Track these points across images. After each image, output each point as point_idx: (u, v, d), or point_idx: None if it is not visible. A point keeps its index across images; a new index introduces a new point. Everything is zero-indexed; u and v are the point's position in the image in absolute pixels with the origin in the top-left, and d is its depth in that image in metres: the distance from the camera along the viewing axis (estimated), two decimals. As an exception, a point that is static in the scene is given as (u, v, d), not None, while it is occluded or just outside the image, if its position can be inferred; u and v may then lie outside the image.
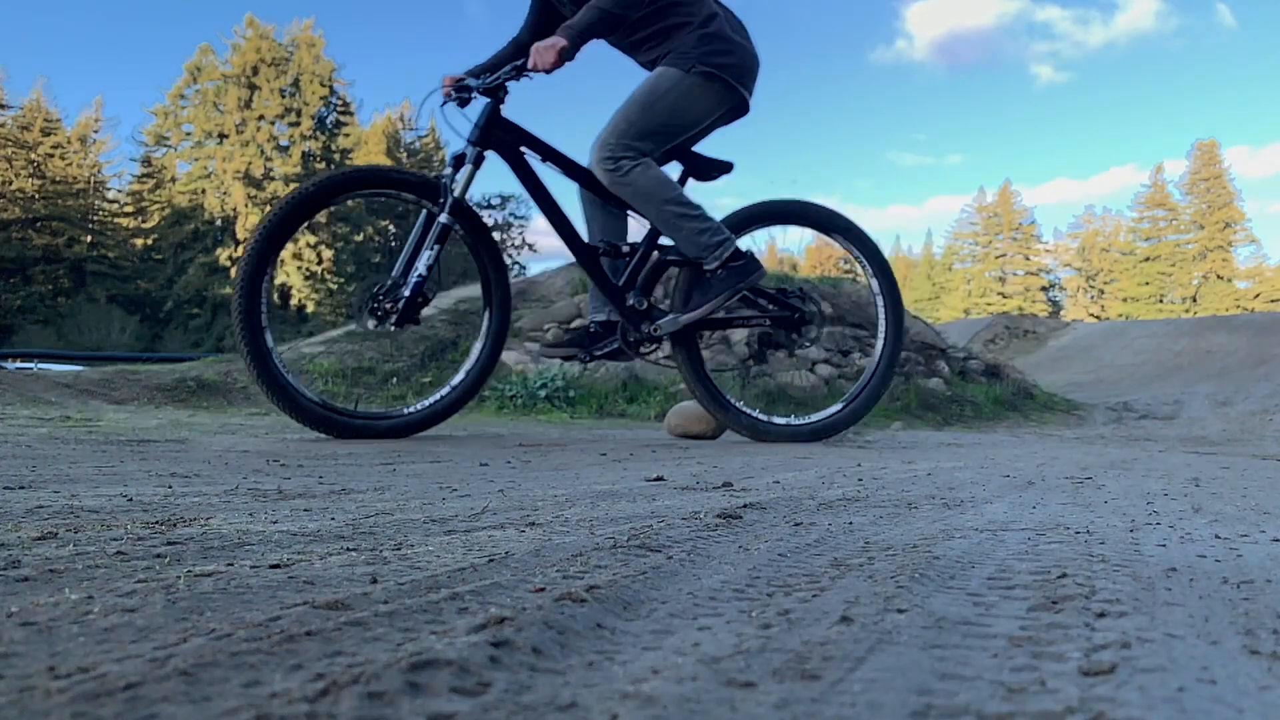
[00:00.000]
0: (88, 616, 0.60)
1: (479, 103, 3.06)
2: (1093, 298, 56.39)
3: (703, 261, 3.06)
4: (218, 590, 0.70)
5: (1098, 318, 49.99)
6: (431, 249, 2.93)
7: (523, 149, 3.07)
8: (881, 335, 3.54)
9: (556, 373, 5.38)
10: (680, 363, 3.30)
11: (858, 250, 3.54)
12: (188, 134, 37.01)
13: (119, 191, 38.58)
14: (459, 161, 3.01)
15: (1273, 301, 46.34)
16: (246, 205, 34.57)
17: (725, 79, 3.03)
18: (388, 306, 2.90)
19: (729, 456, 2.54)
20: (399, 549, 0.92)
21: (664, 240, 3.16)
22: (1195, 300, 50.79)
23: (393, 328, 2.92)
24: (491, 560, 0.86)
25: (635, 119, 2.97)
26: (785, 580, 0.81)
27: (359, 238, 38.76)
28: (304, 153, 36.72)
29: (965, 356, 8.27)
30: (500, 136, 3.04)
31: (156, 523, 1.04)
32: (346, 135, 38.24)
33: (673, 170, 3.21)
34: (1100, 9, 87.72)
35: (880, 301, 3.55)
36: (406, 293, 2.89)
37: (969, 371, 7.85)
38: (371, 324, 2.95)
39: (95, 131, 38.31)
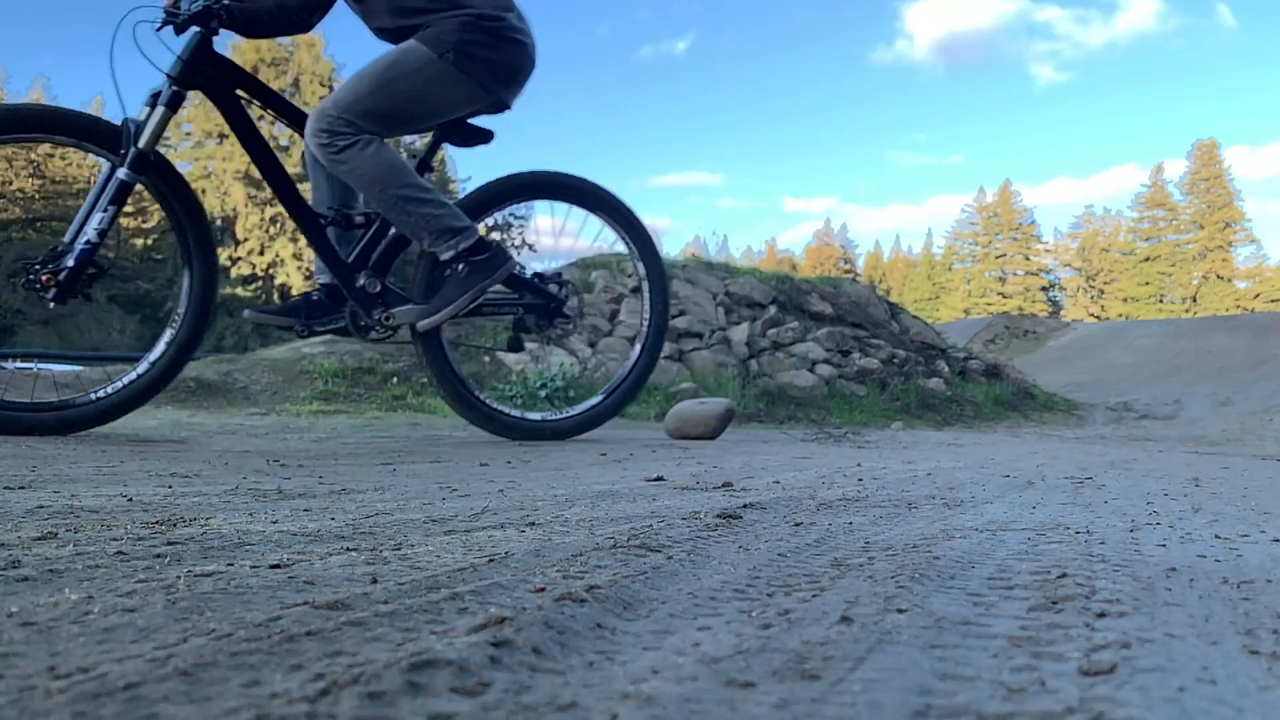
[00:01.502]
0: (88, 616, 0.60)
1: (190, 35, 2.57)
2: (1093, 298, 56.38)
3: (438, 252, 2.70)
4: (218, 590, 0.70)
5: (1098, 318, 49.99)
6: (105, 210, 2.45)
7: (238, 92, 2.65)
8: (645, 323, 3.27)
9: (556, 372, 5.38)
10: (422, 356, 2.98)
11: (623, 229, 3.20)
12: (188, 134, 36.97)
13: (119, 191, 38.62)
14: (155, 102, 2.53)
15: (1273, 301, 46.33)
16: (246, 205, 34.56)
17: (479, 79, 2.65)
18: (45, 278, 2.41)
19: (729, 457, 2.54)
20: (399, 549, 0.92)
21: None
22: (1195, 300, 50.78)
23: (52, 303, 2.43)
24: (491, 560, 0.86)
25: (365, 95, 2.57)
26: (785, 580, 0.81)
27: (359, 238, 38.78)
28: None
29: (965, 356, 8.28)
30: (210, 74, 2.59)
31: (156, 523, 1.04)
32: (346, 135, 38.22)
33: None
34: (1100, 9, 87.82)
35: (645, 287, 3.26)
36: (70, 262, 2.41)
37: (969, 371, 7.86)
38: (25, 296, 2.54)
39: (95, 131, 38.33)
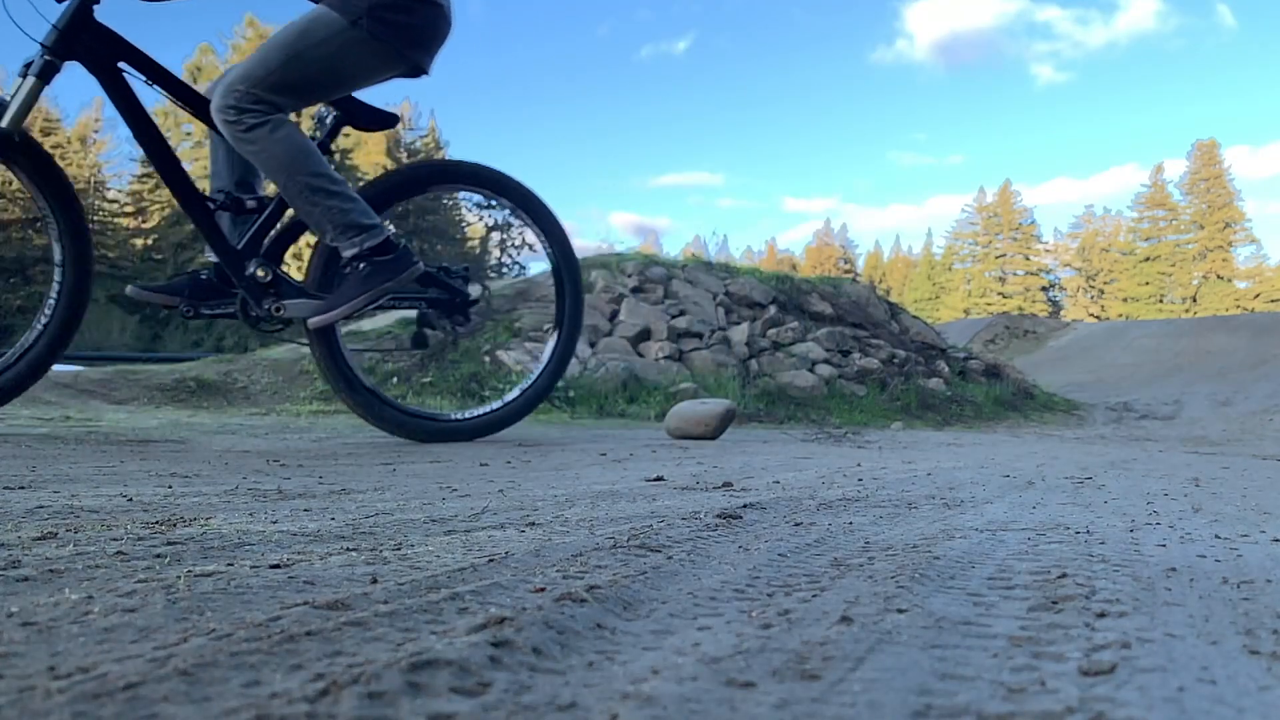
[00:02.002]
0: (88, 616, 0.60)
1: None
2: (1093, 298, 56.37)
3: (340, 248, 2.54)
4: (218, 590, 0.70)
5: (1098, 318, 49.98)
6: None
7: (121, 65, 2.45)
8: (559, 318, 3.11)
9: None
10: (315, 352, 2.80)
11: (531, 219, 3.04)
12: (188, 134, 36.98)
13: (119, 191, 38.59)
14: (27, 73, 2.37)
15: (1273, 301, 46.33)
16: (246, 205, 34.59)
17: (393, 44, 2.53)
18: None
19: (729, 457, 2.54)
20: (399, 549, 0.92)
21: None
22: (1195, 300, 50.78)
23: None
24: (491, 560, 0.86)
25: (275, 67, 2.43)
26: (785, 580, 0.81)
27: (359, 238, 38.77)
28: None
29: (965, 356, 8.28)
30: (89, 44, 2.40)
31: (156, 523, 1.04)
32: (346, 135, 38.27)
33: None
34: (1100, 9, 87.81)
35: (557, 279, 3.09)
36: None
37: (969, 371, 7.85)
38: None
39: (95, 131, 38.30)
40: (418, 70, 2.66)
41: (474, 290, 2.93)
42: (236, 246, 2.59)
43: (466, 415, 3.00)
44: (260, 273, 2.58)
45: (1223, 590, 0.81)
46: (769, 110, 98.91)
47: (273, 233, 2.63)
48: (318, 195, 2.48)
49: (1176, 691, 0.53)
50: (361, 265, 2.55)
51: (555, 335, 3.13)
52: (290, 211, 2.62)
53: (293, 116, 2.55)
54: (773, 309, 7.18)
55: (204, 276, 2.63)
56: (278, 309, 2.60)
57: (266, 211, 2.62)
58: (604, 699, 0.49)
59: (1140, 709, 0.50)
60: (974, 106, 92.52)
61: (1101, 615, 0.70)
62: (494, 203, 3.02)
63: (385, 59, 2.57)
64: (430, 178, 2.98)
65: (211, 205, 2.58)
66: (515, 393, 3.07)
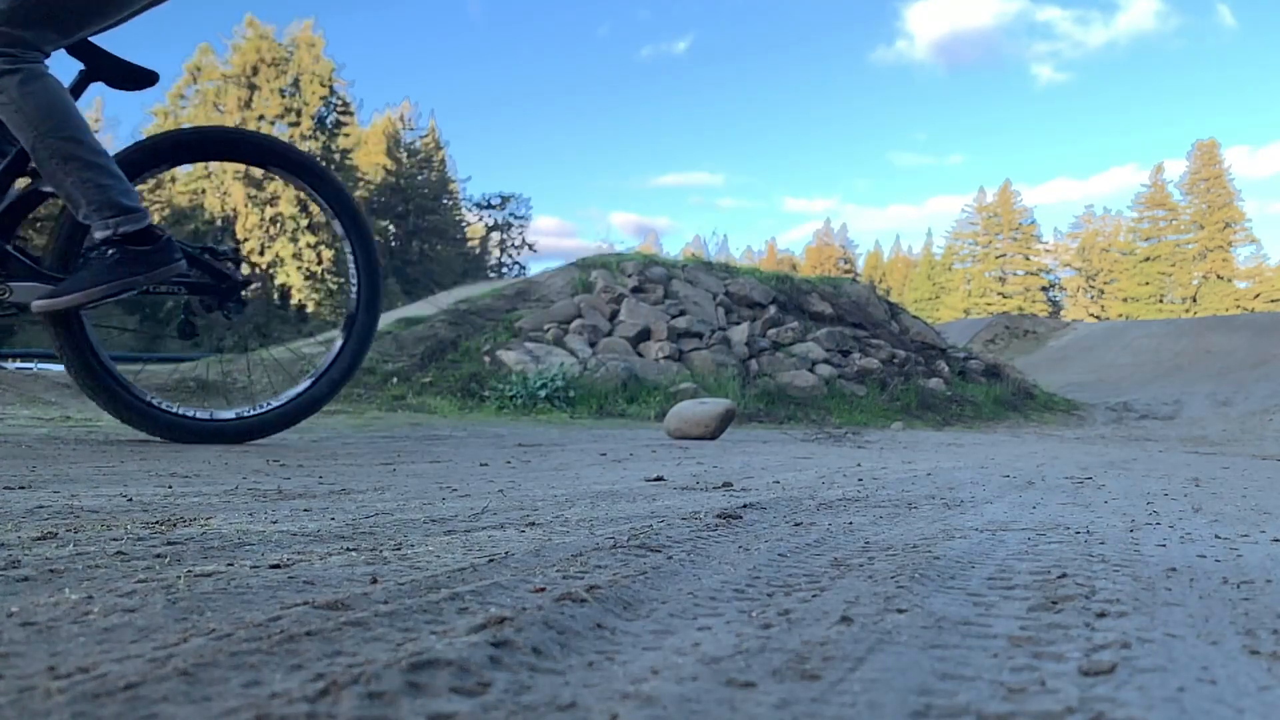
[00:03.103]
0: (88, 616, 0.60)
1: None
2: (1093, 298, 56.38)
3: (93, 227, 2.23)
4: (218, 590, 0.70)
5: (1098, 318, 49.98)
6: None
7: None
8: (354, 296, 2.76)
9: (557, 373, 5.38)
10: (55, 340, 2.45)
11: (313, 188, 2.72)
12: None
13: (119, 191, 38.64)
14: None
15: (1273, 301, 46.34)
16: (246, 205, 34.58)
17: None
18: None
19: (729, 457, 2.54)
20: (399, 549, 0.92)
21: None
22: (1195, 300, 50.79)
23: None
24: (491, 560, 0.86)
25: None
26: (785, 580, 0.81)
27: (359, 238, 38.80)
28: None
29: (965, 356, 8.28)
30: None
31: (156, 523, 1.04)
32: (346, 135, 38.29)
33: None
34: (1100, 9, 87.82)
35: (349, 253, 2.75)
36: None
37: (969, 371, 7.86)
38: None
39: (95, 132, 38.37)
40: None
41: (242, 275, 2.61)
42: None
43: (241, 414, 2.65)
44: None
45: (1223, 590, 0.81)
46: (769, 110, 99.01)
47: (1, 204, 2.30)
48: (72, 164, 2.16)
49: (1176, 691, 0.53)
50: (111, 251, 2.25)
51: (353, 313, 2.77)
52: (22, 181, 2.30)
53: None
54: (773, 309, 7.18)
55: None
56: (6, 294, 2.27)
57: None
58: (604, 699, 0.49)
59: (1140, 709, 0.50)
60: (974, 106, 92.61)
61: (1101, 615, 0.70)
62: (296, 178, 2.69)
63: None
64: (189, 146, 2.64)
65: None
66: (303, 385, 2.73)
